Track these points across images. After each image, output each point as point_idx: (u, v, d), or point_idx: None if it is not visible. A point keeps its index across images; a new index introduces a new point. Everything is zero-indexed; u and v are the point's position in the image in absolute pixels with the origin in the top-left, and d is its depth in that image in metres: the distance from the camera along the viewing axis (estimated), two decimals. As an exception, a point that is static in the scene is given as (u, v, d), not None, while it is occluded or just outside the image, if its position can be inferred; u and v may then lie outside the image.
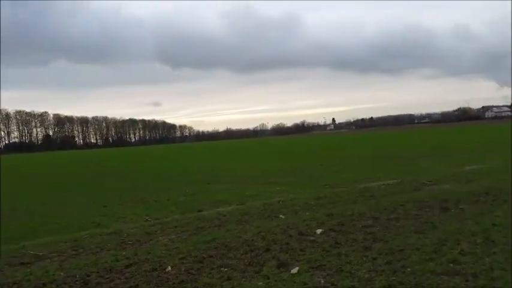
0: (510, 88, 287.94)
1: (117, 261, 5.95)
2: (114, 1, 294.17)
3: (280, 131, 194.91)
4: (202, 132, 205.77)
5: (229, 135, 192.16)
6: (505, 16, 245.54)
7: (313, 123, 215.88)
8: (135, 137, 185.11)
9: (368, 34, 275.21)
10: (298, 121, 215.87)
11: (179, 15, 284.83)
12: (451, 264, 4.93)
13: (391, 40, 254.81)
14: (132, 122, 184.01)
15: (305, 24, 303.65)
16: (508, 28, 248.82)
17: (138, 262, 5.83)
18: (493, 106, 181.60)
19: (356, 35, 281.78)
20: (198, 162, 31.60)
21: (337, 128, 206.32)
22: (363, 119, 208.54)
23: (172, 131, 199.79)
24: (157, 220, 8.98)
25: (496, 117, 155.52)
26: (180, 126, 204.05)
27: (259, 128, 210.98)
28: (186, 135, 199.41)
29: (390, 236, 6.33)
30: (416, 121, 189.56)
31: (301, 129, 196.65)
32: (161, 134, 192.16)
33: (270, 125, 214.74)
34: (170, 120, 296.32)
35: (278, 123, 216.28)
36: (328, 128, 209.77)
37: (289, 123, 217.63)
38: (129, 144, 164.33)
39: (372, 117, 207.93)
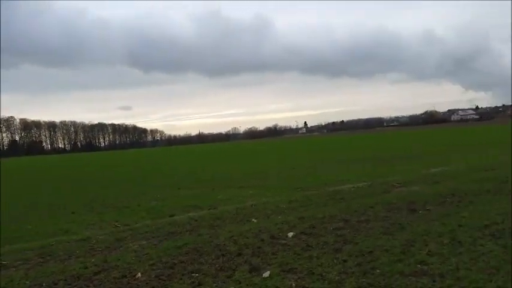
0: (475, 92, 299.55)
1: (86, 268, 5.80)
2: (80, 2, 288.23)
3: (252, 134, 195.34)
4: (174, 136, 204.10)
5: (202, 139, 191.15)
6: (469, 20, 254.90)
7: (285, 126, 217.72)
8: (104, 142, 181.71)
9: (338, 38, 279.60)
10: (270, 125, 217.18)
11: (149, 18, 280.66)
12: (419, 265, 5.05)
13: (361, 44, 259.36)
14: (102, 127, 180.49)
15: (276, 28, 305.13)
16: (471, 33, 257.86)
17: (108, 269, 5.70)
18: (458, 109, 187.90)
19: (326, 39, 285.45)
20: (170, 166, 31.26)
21: (309, 131, 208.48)
22: (334, 123, 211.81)
23: (143, 135, 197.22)
24: (128, 226, 8.82)
25: (461, 120, 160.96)
26: (152, 131, 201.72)
27: (231, 132, 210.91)
28: (158, 140, 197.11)
29: (360, 238, 6.43)
30: (385, 124, 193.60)
31: (274, 132, 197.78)
32: (132, 139, 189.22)
33: (242, 128, 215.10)
34: (141, 124, 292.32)
35: (250, 126, 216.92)
36: (300, 131, 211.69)
37: (261, 126, 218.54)
38: (98, 149, 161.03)
39: (342, 121, 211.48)
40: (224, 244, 6.55)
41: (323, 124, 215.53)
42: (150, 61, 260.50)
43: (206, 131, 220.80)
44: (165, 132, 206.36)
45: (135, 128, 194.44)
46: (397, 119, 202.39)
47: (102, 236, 7.95)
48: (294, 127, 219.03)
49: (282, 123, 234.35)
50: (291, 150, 45.38)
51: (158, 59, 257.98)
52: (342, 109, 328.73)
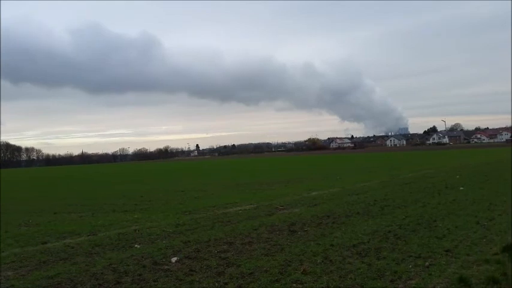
0: (350, 122, 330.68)
1: None
2: None
3: (142, 156, 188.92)
4: (53, 155, 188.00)
5: (85, 159, 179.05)
6: (344, 57, 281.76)
7: (177, 148, 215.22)
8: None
9: (226, 64, 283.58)
10: (161, 146, 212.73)
11: (20, 26, 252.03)
12: (294, 284, 5.35)
13: (247, 72, 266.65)
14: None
15: (164, 48, 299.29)
16: (346, 69, 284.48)
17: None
18: (336, 138, 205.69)
19: (214, 64, 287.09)
20: (46, 188, 28.59)
21: (201, 154, 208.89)
22: (225, 146, 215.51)
23: (17, 154, 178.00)
24: (-10, 256, 7.83)
25: (339, 148, 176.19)
26: (27, 149, 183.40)
27: (119, 153, 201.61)
28: (34, 159, 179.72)
29: (243, 260, 6.60)
30: (273, 149, 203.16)
31: (165, 154, 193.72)
32: (3, 157, 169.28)
33: (131, 149, 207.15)
34: (14, 141, 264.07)
35: (140, 148, 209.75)
36: (192, 154, 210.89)
37: (151, 148, 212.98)
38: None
39: (234, 145, 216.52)
40: (102, 273, 6.19)
41: (215, 147, 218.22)
42: (20, 72, 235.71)
43: (90, 151, 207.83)
44: (43, 151, 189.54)
45: (7, 145, 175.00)
46: (284, 144, 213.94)
47: (-44, 268, 6.94)
48: (186, 149, 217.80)
49: (173, 145, 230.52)
50: (181, 172, 44.79)
51: (30, 70, 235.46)
52: (234, 133, 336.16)
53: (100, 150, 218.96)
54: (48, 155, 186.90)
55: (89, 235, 9.53)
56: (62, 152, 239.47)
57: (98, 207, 15.20)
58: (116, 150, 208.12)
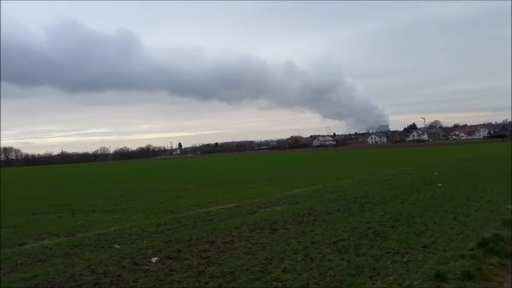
0: (331, 120, 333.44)
1: None
2: None
3: (123, 155, 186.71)
4: (33, 155, 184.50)
5: (65, 159, 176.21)
6: (325, 56, 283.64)
7: (159, 147, 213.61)
8: None
9: (207, 62, 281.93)
10: (143, 145, 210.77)
11: None
12: (275, 282, 5.38)
13: (229, 70, 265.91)
14: None
15: (143, 46, 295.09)
16: (327, 67, 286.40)
17: None
18: (319, 135, 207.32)
19: (195, 62, 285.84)
20: (25, 189, 28.02)
21: (184, 152, 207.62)
22: (208, 144, 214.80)
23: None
24: (-35, 259, 7.64)
25: (321, 145, 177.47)
26: (5, 149, 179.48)
27: (99, 152, 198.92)
28: (13, 159, 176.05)
29: (224, 259, 6.60)
30: (256, 147, 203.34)
31: (147, 153, 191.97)
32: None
33: (112, 148, 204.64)
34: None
35: (121, 147, 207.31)
36: (174, 152, 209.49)
37: (133, 147, 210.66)
38: None
39: (216, 143, 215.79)
40: (80, 274, 6.11)
41: (197, 146, 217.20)
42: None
43: (70, 150, 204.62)
44: (22, 151, 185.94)
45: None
46: (266, 142, 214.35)
47: None
48: (168, 148, 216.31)
49: (155, 144, 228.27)
50: (163, 171, 44.44)
51: (5, 69, 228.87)
52: (216, 131, 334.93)
53: (80, 150, 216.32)
54: (27, 155, 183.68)
55: (67, 236, 9.38)
56: (41, 151, 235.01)
57: (77, 207, 14.97)
58: (96, 149, 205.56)
